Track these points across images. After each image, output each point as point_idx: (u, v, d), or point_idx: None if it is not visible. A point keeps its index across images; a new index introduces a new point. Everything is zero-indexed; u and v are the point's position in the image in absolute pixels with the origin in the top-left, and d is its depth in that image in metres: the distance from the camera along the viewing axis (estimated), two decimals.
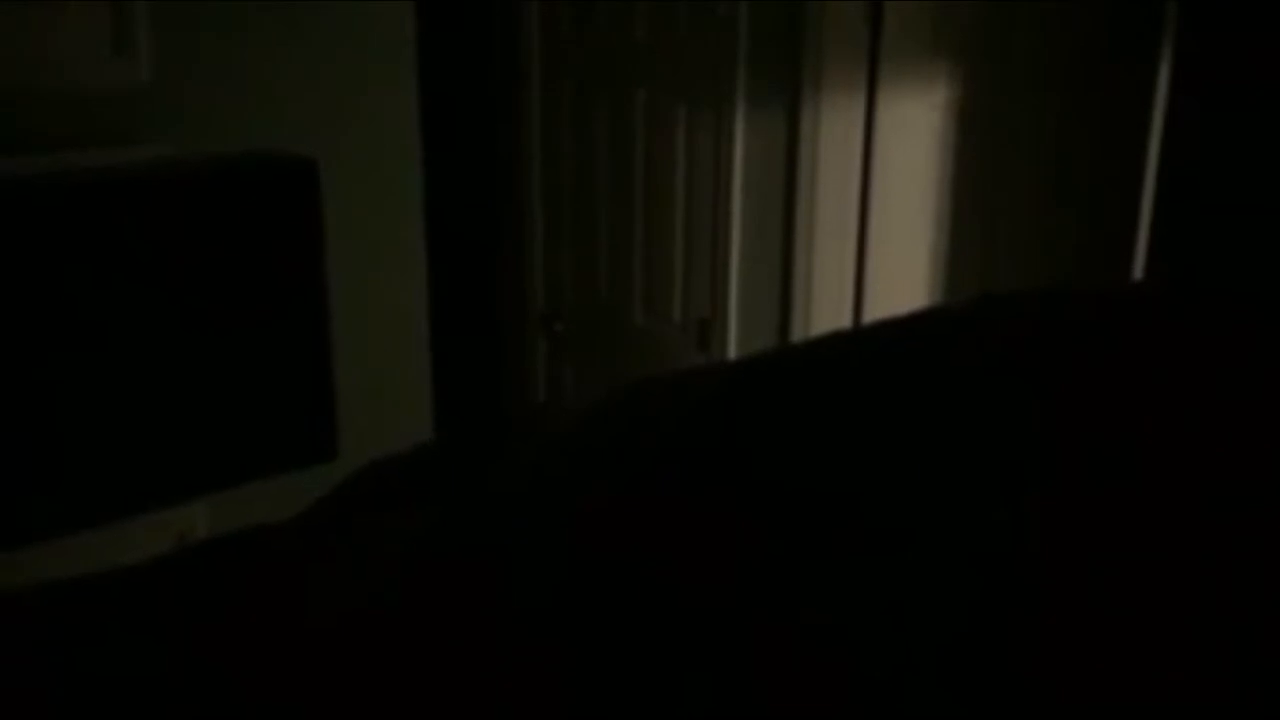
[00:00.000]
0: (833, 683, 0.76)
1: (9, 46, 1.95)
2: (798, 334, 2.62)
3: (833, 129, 2.52)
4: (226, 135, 2.00)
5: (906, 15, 2.43)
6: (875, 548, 0.83)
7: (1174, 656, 0.76)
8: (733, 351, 2.73)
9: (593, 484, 1.00)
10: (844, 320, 2.55)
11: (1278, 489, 0.83)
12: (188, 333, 1.47)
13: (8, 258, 1.41)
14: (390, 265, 2.17)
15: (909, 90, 2.49)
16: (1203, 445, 0.86)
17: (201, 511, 2.07)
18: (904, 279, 2.55)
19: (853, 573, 0.82)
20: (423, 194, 2.36)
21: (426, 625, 0.89)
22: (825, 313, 2.58)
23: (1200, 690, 0.75)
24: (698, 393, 1.14)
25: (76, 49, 2.00)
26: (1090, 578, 0.79)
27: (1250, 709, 0.71)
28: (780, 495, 0.90)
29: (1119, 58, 2.10)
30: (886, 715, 0.72)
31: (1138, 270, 1.92)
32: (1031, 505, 0.84)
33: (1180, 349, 0.97)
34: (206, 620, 0.97)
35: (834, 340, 1.26)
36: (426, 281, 2.27)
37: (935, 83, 2.49)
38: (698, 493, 0.93)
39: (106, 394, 1.48)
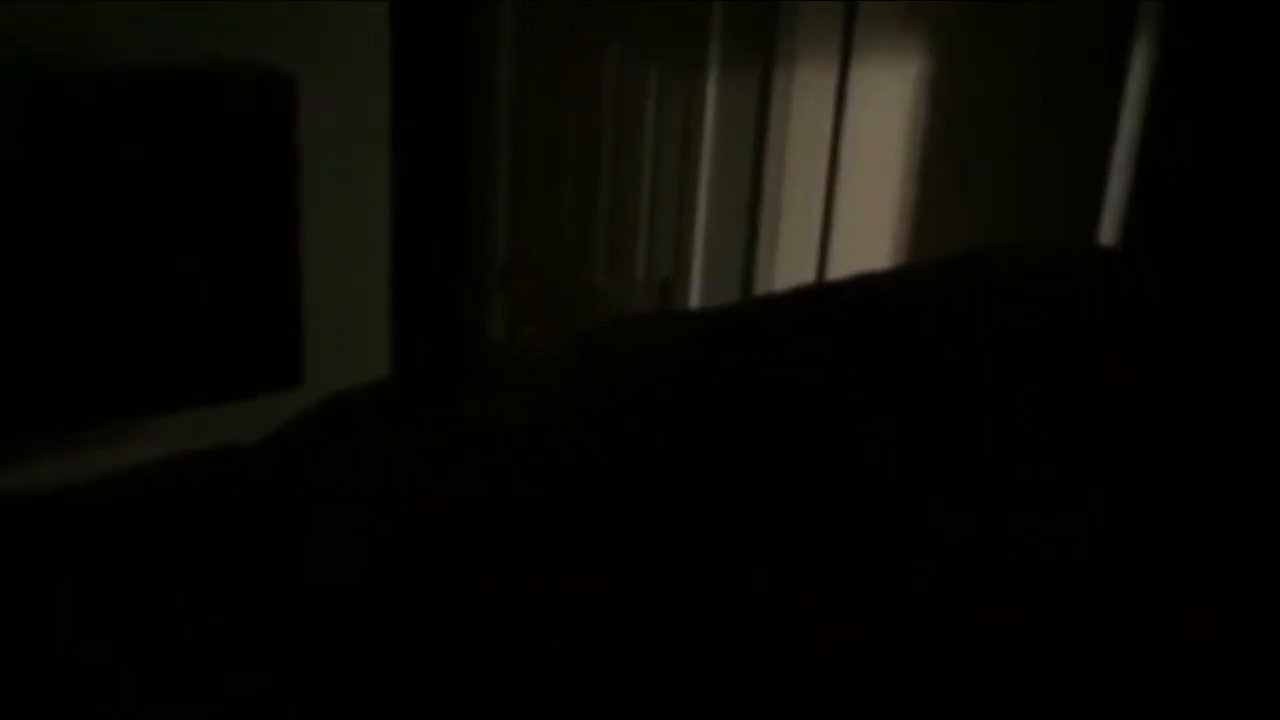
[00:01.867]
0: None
1: None
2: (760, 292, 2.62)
3: (805, 98, 2.51)
4: (207, 47, 1.94)
5: None
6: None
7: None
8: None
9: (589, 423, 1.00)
10: (808, 278, 2.55)
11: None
12: (157, 245, 1.44)
13: None
14: (355, 200, 2.14)
15: (882, 62, 2.50)
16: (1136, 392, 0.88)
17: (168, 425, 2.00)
18: (869, 249, 2.56)
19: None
20: (391, 138, 2.33)
21: (425, 535, 0.89)
22: (788, 278, 2.58)
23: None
24: (673, 336, 1.14)
25: None
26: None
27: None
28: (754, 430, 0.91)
29: (1092, 32, 2.12)
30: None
31: (1104, 240, 1.94)
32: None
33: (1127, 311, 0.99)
34: (177, 538, 0.96)
35: (811, 291, 1.26)
36: (390, 221, 2.25)
37: (908, 56, 2.49)
38: (687, 422, 0.94)
39: (71, 301, 1.44)
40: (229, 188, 1.52)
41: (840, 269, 2.56)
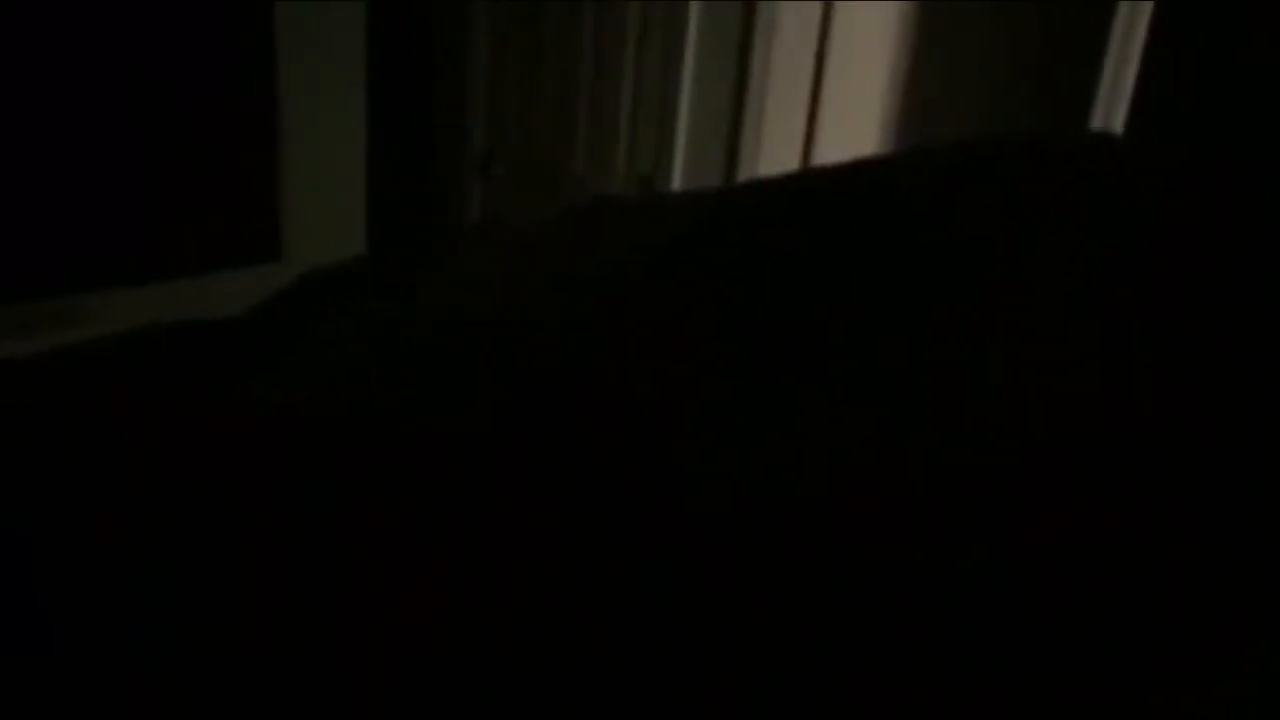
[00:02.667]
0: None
1: None
2: None
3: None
4: None
5: None
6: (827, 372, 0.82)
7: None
8: None
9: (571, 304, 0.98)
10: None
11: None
12: (128, 111, 1.40)
13: None
14: (331, 78, 2.09)
15: None
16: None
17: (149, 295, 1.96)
18: (855, 149, 2.53)
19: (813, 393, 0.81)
20: (366, 19, 2.27)
21: (393, 417, 0.87)
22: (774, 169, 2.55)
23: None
24: (673, 219, 1.11)
25: None
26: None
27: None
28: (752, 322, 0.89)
29: None
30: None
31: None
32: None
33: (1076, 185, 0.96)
34: (150, 404, 0.94)
35: (805, 175, 1.23)
36: (365, 100, 2.20)
37: None
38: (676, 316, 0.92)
39: (45, 156, 1.40)
40: (206, 53, 1.47)
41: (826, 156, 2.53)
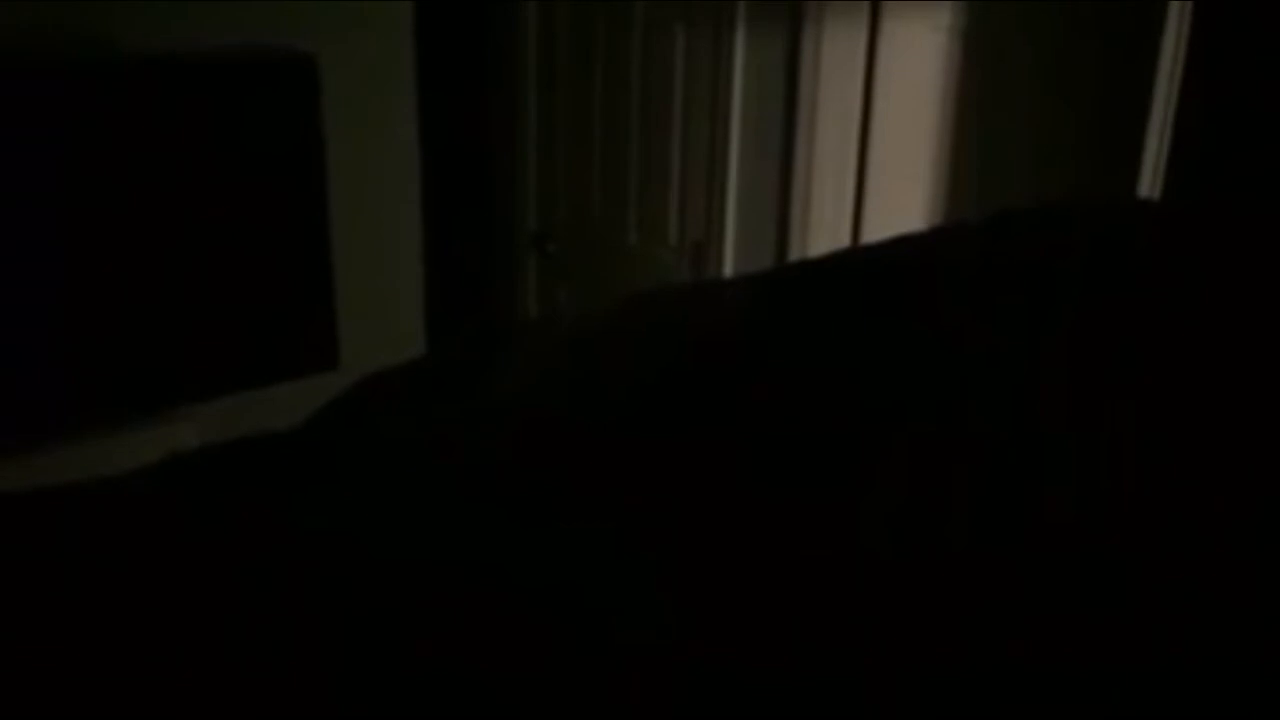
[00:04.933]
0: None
1: None
2: (795, 258, 2.60)
3: (834, 51, 2.48)
4: (228, 29, 1.94)
5: None
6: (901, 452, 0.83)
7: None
8: (728, 273, 2.70)
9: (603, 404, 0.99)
10: (842, 244, 2.52)
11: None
12: (186, 232, 1.44)
13: (3, 143, 1.38)
14: (385, 177, 2.14)
15: (912, 12, 2.45)
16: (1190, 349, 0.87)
17: (196, 428, 2.05)
18: (903, 205, 2.53)
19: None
20: (417, 108, 2.32)
21: (427, 539, 0.89)
22: (823, 237, 2.56)
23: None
24: (714, 306, 1.13)
25: None
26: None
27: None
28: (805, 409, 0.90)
29: None
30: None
31: (1142, 193, 1.90)
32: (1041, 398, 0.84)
33: (1177, 263, 0.97)
34: (206, 530, 0.96)
35: (850, 255, 1.24)
36: (420, 195, 2.24)
37: (939, 7, 2.44)
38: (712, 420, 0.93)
39: (105, 293, 1.45)
40: (256, 172, 1.51)
41: (875, 228, 2.53)
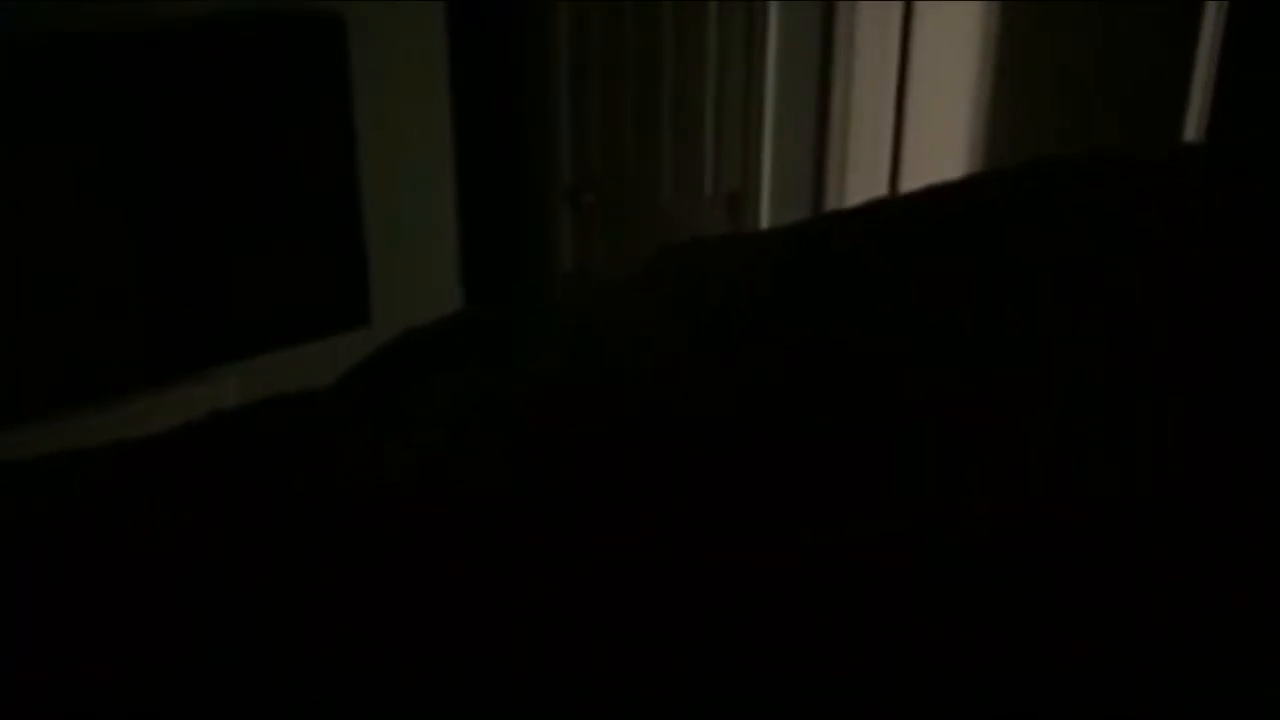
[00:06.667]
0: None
1: None
2: (832, 205, 2.56)
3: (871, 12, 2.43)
4: None
5: None
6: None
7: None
8: (764, 224, 2.68)
9: (645, 350, 0.98)
10: (880, 189, 2.49)
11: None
12: (216, 194, 1.44)
13: (34, 111, 1.38)
14: (416, 132, 2.12)
15: None
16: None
17: (233, 386, 2.06)
18: (942, 148, 2.48)
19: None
20: (448, 61, 2.29)
21: (466, 497, 0.88)
22: (861, 184, 2.52)
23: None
24: (747, 256, 1.11)
25: None
26: None
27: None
28: (838, 354, 0.88)
29: None
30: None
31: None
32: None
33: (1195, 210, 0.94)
34: (244, 488, 0.96)
35: (885, 205, 1.22)
36: (453, 149, 2.22)
37: None
38: (758, 352, 0.91)
39: (140, 254, 1.45)
40: (285, 132, 1.50)
41: (914, 173, 2.49)
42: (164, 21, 1.49)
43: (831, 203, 2.57)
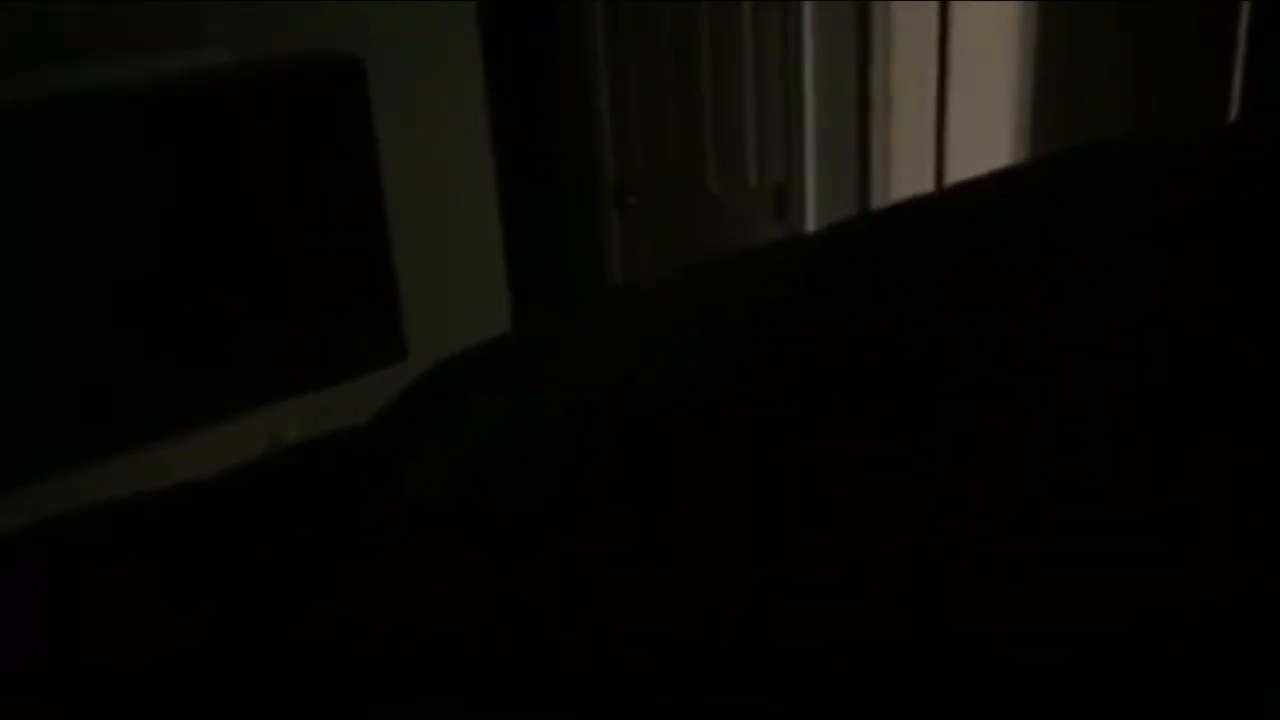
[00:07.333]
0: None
1: None
2: (878, 194, 2.53)
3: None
4: (283, 33, 1.94)
5: None
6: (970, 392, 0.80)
7: None
8: (811, 216, 2.65)
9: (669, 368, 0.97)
10: (926, 176, 2.45)
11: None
12: (249, 239, 1.46)
13: (64, 169, 1.41)
14: (456, 152, 2.12)
15: None
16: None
17: (292, 408, 2.08)
18: (987, 120, 2.44)
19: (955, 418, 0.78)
20: (485, 77, 2.29)
21: (498, 523, 0.88)
22: (907, 171, 2.48)
23: None
24: (766, 264, 1.09)
25: None
26: None
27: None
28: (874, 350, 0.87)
29: None
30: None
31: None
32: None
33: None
34: (287, 528, 0.96)
35: (911, 203, 1.19)
36: (494, 166, 2.22)
37: None
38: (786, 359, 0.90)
39: (174, 303, 1.48)
40: (313, 177, 1.52)
41: (959, 159, 2.44)
42: (189, 75, 1.51)
43: (877, 190, 2.54)
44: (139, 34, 1.88)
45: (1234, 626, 0.62)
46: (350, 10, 1.95)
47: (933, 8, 2.39)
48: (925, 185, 2.44)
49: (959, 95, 2.44)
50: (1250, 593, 0.63)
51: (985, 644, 0.64)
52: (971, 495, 0.72)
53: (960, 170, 2.40)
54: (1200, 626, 0.62)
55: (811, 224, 2.64)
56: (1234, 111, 1.72)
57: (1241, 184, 0.94)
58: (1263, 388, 0.73)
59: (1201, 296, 0.81)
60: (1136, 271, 0.86)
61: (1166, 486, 0.69)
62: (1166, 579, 0.65)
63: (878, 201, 2.52)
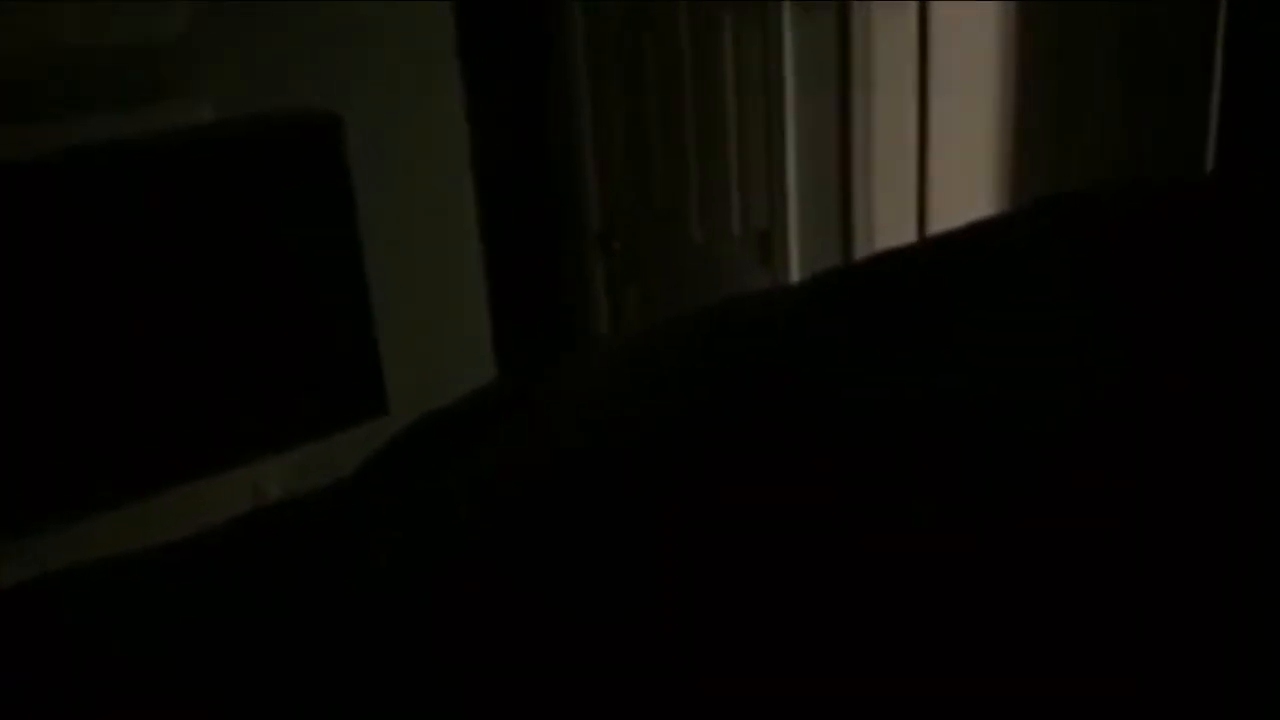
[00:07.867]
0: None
1: None
2: (860, 241, 2.54)
3: (887, 30, 2.41)
4: (260, 88, 1.95)
5: None
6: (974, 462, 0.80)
7: None
8: (795, 263, 2.66)
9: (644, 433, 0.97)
10: (909, 222, 2.46)
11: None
12: (229, 295, 1.46)
13: (38, 226, 1.41)
14: (437, 203, 2.13)
15: None
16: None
17: (275, 463, 2.07)
18: (968, 171, 2.45)
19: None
20: (467, 127, 2.31)
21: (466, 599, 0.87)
22: (889, 217, 2.49)
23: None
24: (762, 316, 1.10)
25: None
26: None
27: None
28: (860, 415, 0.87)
29: None
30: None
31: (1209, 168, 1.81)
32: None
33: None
34: (267, 594, 0.96)
35: (889, 259, 1.20)
36: (478, 214, 2.23)
37: None
38: (772, 419, 0.90)
39: (154, 360, 1.47)
40: (290, 231, 1.52)
41: (940, 201, 2.46)
42: (167, 131, 1.52)
43: (861, 237, 2.55)
44: (118, 88, 1.89)
45: (1235, 627, 0.64)
46: (330, 66, 1.97)
47: (913, 55, 2.41)
48: (908, 231, 2.45)
49: (940, 141, 2.46)
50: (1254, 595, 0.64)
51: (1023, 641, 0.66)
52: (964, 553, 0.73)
53: (942, 215, 2.41)
54: (1201, 626, 0.64)
55: (796, 270, 2.65)
56: (1215, 118, 1.74)
57: (1219, 233, 0.96)
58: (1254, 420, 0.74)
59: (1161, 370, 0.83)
60: (1096, 330, 0.87)
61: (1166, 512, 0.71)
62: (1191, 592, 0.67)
63: (860, 247, 2.53)
